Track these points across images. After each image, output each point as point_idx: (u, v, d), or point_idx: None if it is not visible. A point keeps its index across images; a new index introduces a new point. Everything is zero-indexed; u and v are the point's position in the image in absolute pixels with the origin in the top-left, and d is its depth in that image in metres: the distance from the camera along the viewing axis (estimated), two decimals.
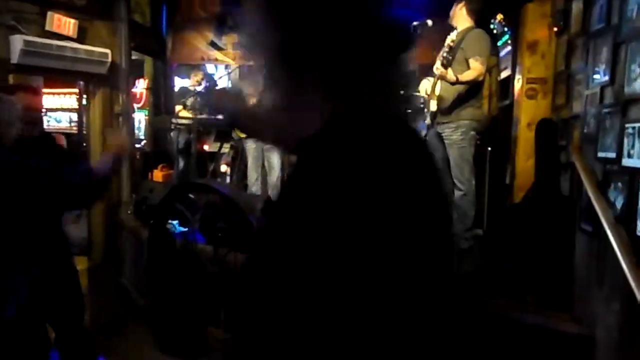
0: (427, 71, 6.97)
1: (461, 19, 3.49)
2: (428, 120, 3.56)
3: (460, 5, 3.48)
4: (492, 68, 4.49)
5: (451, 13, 3.54)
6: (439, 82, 3.47)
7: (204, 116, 5.91)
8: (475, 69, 3.30)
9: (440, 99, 3.43)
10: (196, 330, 3.13)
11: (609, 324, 2.36)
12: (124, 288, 4.24)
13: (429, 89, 3.54)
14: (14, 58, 3.92)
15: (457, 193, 3.45)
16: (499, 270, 3.17)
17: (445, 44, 3.44)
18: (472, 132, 3.42)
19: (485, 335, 2.71)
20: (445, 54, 3.32)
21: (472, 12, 3.49)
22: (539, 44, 3.79)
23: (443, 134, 3.46)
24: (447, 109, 3.40)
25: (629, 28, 2.33)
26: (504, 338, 2.69)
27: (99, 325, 3.72)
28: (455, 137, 3.39)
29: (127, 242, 4.47)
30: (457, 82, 3.30)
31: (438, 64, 3.30)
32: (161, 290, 3.26)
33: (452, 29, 3.57)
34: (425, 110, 3.64)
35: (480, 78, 3.36)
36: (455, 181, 3.44)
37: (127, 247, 4.49)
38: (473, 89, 3.40)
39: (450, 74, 3.28)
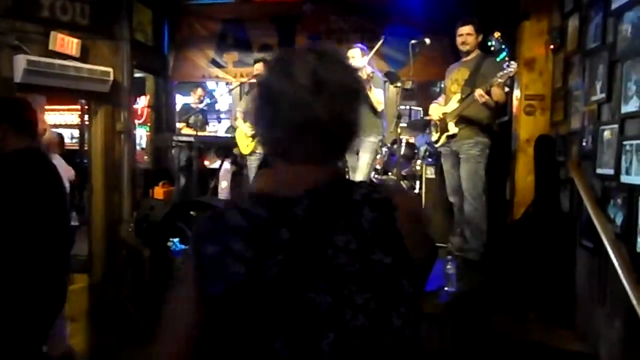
0: (426, 88, 7.05)
1: (474, 44, 3.60)
2: (443, 140, 3.66)
3: (480, 36, 3.60)
4: None
5: (472, 42, 3.56)
6: (451, 103, 3.61)
7: (205, 133, 5.96)
8: (501, 95, 3.46)
9: (461, 121, 3.55)
10: None
11: (611, 341, 2.35)
12: (124, 307, 4.22)
13: (441, 112, 3.67)
14: (18, 77, 3.97)
15: (468, 208, 3.51)
16: (500, 288, 3.17)
17: (461, 78, 3.58)
18: (487, 151, 3.55)
19: (488, 353, 2.69)
20: (490, 85, 3.39)
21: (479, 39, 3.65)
22: (537, 61, 3.82)
23: (460, 150, 3.57)
24: (469, 129, 3.54)
25: (624, 46, 2.36)
26: (506, 356, 2.67)
27: (98, 344, 3.71)
28: (474, 152, 3.51)
29: (128, 260, 4.47)
30: (497, 105, 3.48)
31: (479, 92, 3.35)
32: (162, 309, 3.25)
33: (451, 49, 3.66)
34: (434, 130, 3.77)
35: (504, 101, 3.57)
36: (467, 194, 3.52)
37: (128, 265, 4.48)
38: (492, 111, 3.56)
39: (491, 100, 3.40)
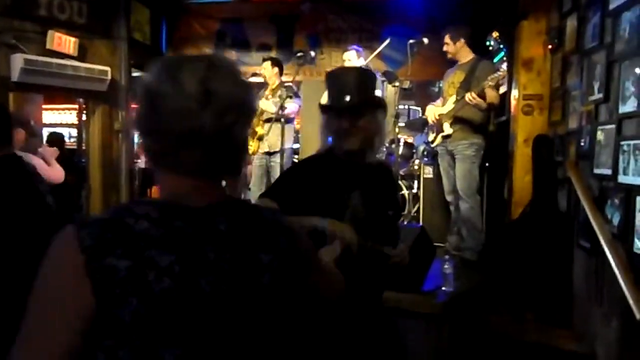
0: (423, 87, 7.05)
1: (464, 53, 3.75)
2: (438, 141, 3.77)
3: (461, 42, 3.73)
4: None
5: (451, 50, 3.76)
6: (448, 104, 3.71)
7: None
8: (495, 97, 3.59)
9: (456, 122, 3.65)
10: None
11: (608, 340, 2.35)
12: None
13: (437, 113, 3.77)
14: (15, 76, 3.95)
15: (463, 206, 3.58)
16: (498, 287, 3.17)
17: (457, 81, 3.69)
18: (482, 151, 3.67)
19: (485, 353, 2.69)
20: (478, 87, 3.54)
21: (470, 44, 3.76)
22: (535, 61, 3.83)
23: (455, 150, 3.67)
24: (464, 130, 3.64)
25: (622, 46, 2.36)
26: (504, 355, 2.67)
27: None
28: (468, 152, 3.61)
29: None
30: (489, 108, 3.60)
31: (469, 95, 3.49)
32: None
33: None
34: (431, 131, 3.88)
35: (497, 102, 3.69)
36: (461, 193, 3.62)
37: None
38: (486, 112, 3.69)
39: (482, 102, 3.53)
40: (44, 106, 5.70)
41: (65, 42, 4.34)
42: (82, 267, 0.75)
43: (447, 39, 3.74)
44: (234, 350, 0.83)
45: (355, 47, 4.32)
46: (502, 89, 4.66)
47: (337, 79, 1.77)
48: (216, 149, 0.84)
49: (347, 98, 1.68)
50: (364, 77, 1.78)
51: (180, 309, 0.78)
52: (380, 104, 1.76)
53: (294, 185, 1.74)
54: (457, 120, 3.64)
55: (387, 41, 4.33)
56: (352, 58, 4.22)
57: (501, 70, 3.47)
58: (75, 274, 0.75)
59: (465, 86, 3.58)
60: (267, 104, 4.50)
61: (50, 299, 0.77)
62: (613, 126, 2.39)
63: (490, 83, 3.44)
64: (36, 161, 2.82)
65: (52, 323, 0.75)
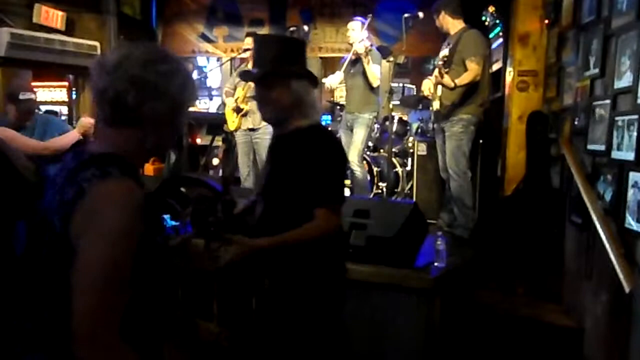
0: (419, 63, 6.97)
1: (450, 24, 3.63)
2: (432, 117, 3.74)
3: (442, 14, 3.62)
4: (485, 63, 4.51)
5: (438, 24, 3.68)
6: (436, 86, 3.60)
7: (195, 109, 5.88)
8: (472, 70, 3.41)
9: (442, 99, 3.56)
10: (187, 323, 3.13)
11: (598, 314, 2.38)
12: None
13: (431, 88, 3.66)
14: (1, 51, 3.87)
15: (452, 184, 3.56)
16: (490, 263, 3.19)
17: (441, 55, 3.54)
18: (472, 127, 3.55)
19: (476, 327, 2.73)
20: (442, 62, 3.42)
21: (456, 15, 3.61)
22: (530, 36, 3.78)
23: (445, 127, 3.61)
24: (450, 108, 3.55)
25: (619, 21, 2.33)
26: (494, 329, 2.71)
27: None
28: (456, 129, 3.53)
29: None
30: (456, 86, 3.41)
31: (436, 71, 3.40)
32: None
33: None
34: (430, 108, 3.79)
35: (478, 78, 3.46)
36: (450, 171, 3.57)
37: None
38: (473, 87, 3.51)
39: (448, 81, 3.39)
40: (33, 83, 5.60)
41: (52, 15, 4.25)
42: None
43: (434, 14, 3.68)
44: None
45: (360, 18, 4.24)
46: (496, 66, 4.63)
47: (256, 49, 1.79)
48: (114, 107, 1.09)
49: (255, 70, 1.71)
50: (282, 46, 1.74)
51: None
52: (296, 73, 1.70)
53: None
54: (442, 98, 3.55)
55: (370, 17, 4.23)
56: (357, 28, 4.13)
57: (459, 35, 3.42)
58: None
59: (449, 59, 3.47)
60: None
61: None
62: (608, 101, 2.37)
63: (440, 63, 3.38)
64: (11, 134, 2.74)
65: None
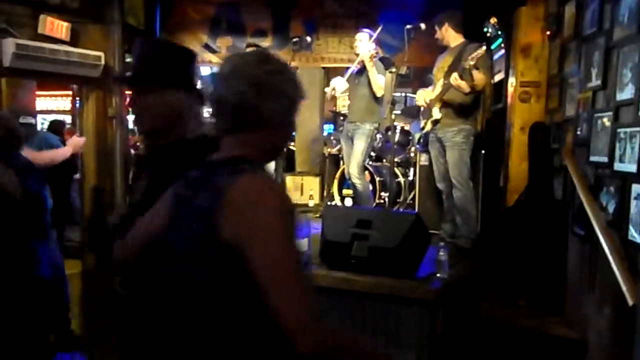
0: (421, 74, 7.02)
1: (451, 37, 3.68)
2: (428, 126, 3.72)
3: (445, 27, 3.67)
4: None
5: (438, 36, 3.73)
6: (437, 89, 3.63)
7: None
8: (480, 80, 3.48)
9: (445, 107, 3.59)
10: None
11: (601, 327, 2.37)
12: (116, 294, 4.20)
13: (427, 98, 3.72)
14: (6, 61, 3.89)
15: (457, 194, 3.56)
16: (492, 274, 3.18)
17: (441, 63, 3.63)
18: (472, 138, 3.60)
19: (479, 339, 2.71)
20: (459, 69, 3.46)
21: (457, 28, 3.67)
22: (533, 48, 3.80)
23: (444, 137, 3.62)
24: (452, 115, 3.58)
25: (620, 33, 2.34)
26: (496, 341, 2.69)
27: (91, 330, 3.70)
28: (457, 139, 3.55)
29: None
30: (472, 92, 3.48)
31: (455, 75, 3.41)
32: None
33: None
34: (422, 117, 3.82)
35: (485, 87, 3.59)
36: (454, 181, 3.58)
37: None
38: (473, 97, 3.58)
39: (464, 85, 3.43)
40: (37, 93, 5.64)
41: (57, 26, 4.27)
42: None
43: (436, 26, 3.72)
44: None
45: (367, 29, 4.27)
46: (498, 76, 4.64)
47: (134, 53, 1.60)
48: (238, 117, 1.11)
49: (128, 74, 1.56)
50: (160, 51, 1.56)
51: None
52: (172, 81, 1.51)
53: None
54: (445, 105, 3.59)
55: (380, 28, 4.27)
56: (364, 39, 4.18)
57: (480, 48, 3.38)
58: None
59: (452, 69, 3.53)
60: None
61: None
62: (610, 113, 2.38)
63: (470, 62, 3.38)
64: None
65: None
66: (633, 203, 2.08)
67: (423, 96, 3.78)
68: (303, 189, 5.50)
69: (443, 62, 3.71)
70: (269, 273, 0.96)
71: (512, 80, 3.97)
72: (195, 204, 1.04)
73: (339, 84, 4.46)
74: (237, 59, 1.12)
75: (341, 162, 4.88)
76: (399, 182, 4.80)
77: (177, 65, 1.54)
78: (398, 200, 4.79)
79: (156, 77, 1.49)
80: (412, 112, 5.33)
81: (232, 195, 0.99)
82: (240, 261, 0.97)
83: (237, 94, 1.06)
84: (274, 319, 0.95)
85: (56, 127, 5.67)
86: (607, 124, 2.40)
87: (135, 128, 1.59)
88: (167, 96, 1.49)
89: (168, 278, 1.09)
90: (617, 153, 2.26)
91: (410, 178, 4.85)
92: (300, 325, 0.94)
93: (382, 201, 4.67)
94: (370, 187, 4.54)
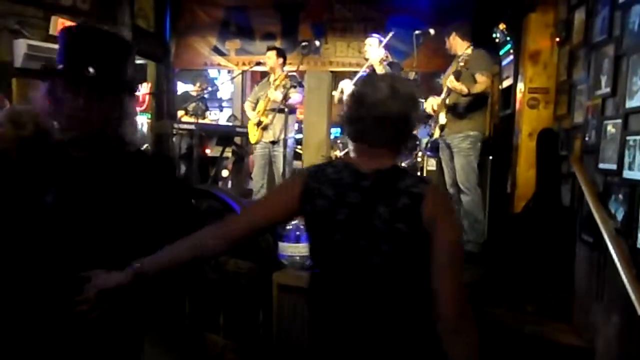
0: (429, 79, 7.04)
1: (458, 45, 3.73)
2: (437, 133, 3.77)
3: (452, 36, 3.73)
4: (493, 77, 4.53)
5: (447, 46, 3.79)
6: (445, 96, 3.67)
7: (206, 121, 5.93)
8: (482, 82, 3.50)
9: (450, 112, 3.63)
10: (195, 335, 3.13)
11: (609, 336, 2.35)
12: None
13: (435, 105, 3.76)
14: (18, 62, 3.94)
15: (464, 199, 3.57)
16: (499, 280, 3.17)
17: (451, 72, 3.64)
18: (479, 144, 3.63)
19: (485, 345, 2.70)
20: (455, 69, 3.52)
21: (466, 38, 3.71)
22: (541, 54, 3.80)
23: (452, 144, 3.66)
24: (456, 121, 3.62)
25: (630, 40, 2.34)
26: (502, 347, 2.68)
27: None
28: (464, 145, 3.59)
29: None
30: (469, 94, 3.50)
31: (451, 77, 3.48)
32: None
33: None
34: (432, 124, 3.89)
35: (488, 90, 3.60)
36: (462, 187, 3.61)
37: None
38: (480, 102, 3.61)
39: (461, 86, 3.47)
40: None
41: None
42: (301, 183, 1.37)
43: (445, 37, 3.79)
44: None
45: (377, 35, 4.29)
46: (507, 82, 4.64)
47: (76, 40, 1.35)
48: (398, 128, 1.34)
49: (91, 69, 1.30)
50: (115, 46, 1.39)
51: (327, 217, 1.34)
52: (128, 85, 1.39)
53: None
54: (450, 110, 3.64)
55: (390, 35, 4.29)
56: (374, 44, 4.20)
57: (468, 50, 3.51)
58: (297, 184, 1.38)
59: (456, 75, 3.57)
60: (276, 94, 4.49)
61: (279, 188, 1.63)
62: (619, 121, 2.37)
63: (460, 64, 3.46)
64: None
65: (272, 198, 1.54)
66: None
67: (432, 103, 3.82)
68: None
69: (450, 69, 3.75)
70: (450, 249, 1.26)
71: (520, 87, 3.97)
72: (386, 207, 1.29)
73: (348, 87, 4.48)
74: (391, 80, 1.37)
75: None
76: None
77: (122, 61, 1.39)
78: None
79: (109, 77, 1.34)
80: (420, 117, 5.34)
81: (432, 196, 1.29)
82: (427, 237, 1.27)
83: (405, 113, 1.33)
84: (435, 291, 1.24)
85: None
86: (617, 131, 2.39)
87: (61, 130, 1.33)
88: (115, 97, 1.35)
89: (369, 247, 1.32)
90: (627, 161, 2.25)
91: None
92: (460, 309, 1.24)
93: None
94: None
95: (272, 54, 4.69)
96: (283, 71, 4.70)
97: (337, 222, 1.31)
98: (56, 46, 1.42)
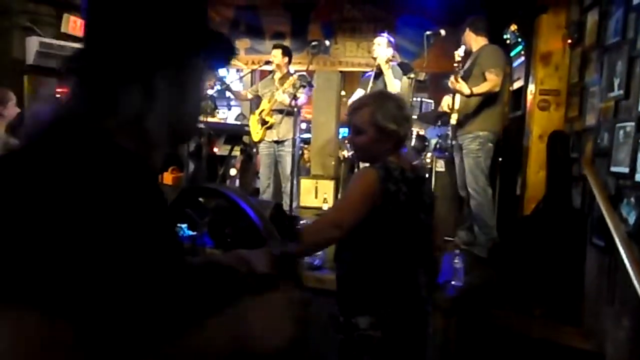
0: (438, 80, 7.01)
1: (473, 41, 3.68)
2: (450, 133, 3.77)
3: (466, 32, 3.70)
4: (504, 78, 4.51)
5: (463, 41, 3.74)
6: (457, 96, 3.62)
7: (215, 120, 5.94)
8: (490, 80, 3.43)
9: (459, 112, 3.59)
10: None
11: (619, 340, 2.33)
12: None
13: (450, 104, 3.71)
14: (30, 59, 3.98)
15: (472, 202, 3.54)
16: (508, 283, 3.15)
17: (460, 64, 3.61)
18: (490, 144, 3.55)
19: (493, 348, 2.68)
20: (460, 70, 3.49)
21: (480, 32, 3.66)
22: (553, 55, 3.76)
23: (463, 144, 3.62)
24: (467, 121, 3.57)
25: None
26: (511, 350, 2.66)
27: None
28: (473, 146, 3.54)
29: None
30: (472, 94, 3.43)
31: (452, 78, 3.43)
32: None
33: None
34: (449, 124, 3.84)
35: (497, 89, 3.49)
36: (470, 190, 3.56)
37: None
38: (491, 101, 3.53)
39: (464, 87, 3.40)
40: (58, 90, 5.73)
41: (80, 25, 4.35)
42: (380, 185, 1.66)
43: (461, 35, 3.76)
44: None
45: (387, 34, 4.27)
46: (518, 84, 4.61)
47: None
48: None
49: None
50: None
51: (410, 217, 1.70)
52: None
53: None
54: (459, 112, 3.60)
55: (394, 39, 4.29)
56: (382, 44, 4.17)
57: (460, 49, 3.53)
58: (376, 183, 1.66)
59: (467, 74, 3.53)
60: (282, 97, 4.48)
61: (360, 189, 1.71)
62: (632, 124, 2.34)
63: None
64: None
65: (356, 200, 1.70)
66: None
67: (447, 102, 3.78)
68: (317, 192, 5.51)
69: (465, 67, 3.72)
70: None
71: (531, 88, 3.94)
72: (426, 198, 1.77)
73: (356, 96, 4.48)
74: (381, 95, 1.84)
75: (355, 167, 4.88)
76: None
77: None
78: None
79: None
80: (429, 118, 5.31)
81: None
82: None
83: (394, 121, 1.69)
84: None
85: None
86: (629, 134, 2.36)
87: None
88: None
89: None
90: (639, 164, 2.22)
91: None
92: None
93: None
94: None
95: (278, 52, 4.68)
96: (289, 70, 4.68)
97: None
98: (68, 44, 1.42)
